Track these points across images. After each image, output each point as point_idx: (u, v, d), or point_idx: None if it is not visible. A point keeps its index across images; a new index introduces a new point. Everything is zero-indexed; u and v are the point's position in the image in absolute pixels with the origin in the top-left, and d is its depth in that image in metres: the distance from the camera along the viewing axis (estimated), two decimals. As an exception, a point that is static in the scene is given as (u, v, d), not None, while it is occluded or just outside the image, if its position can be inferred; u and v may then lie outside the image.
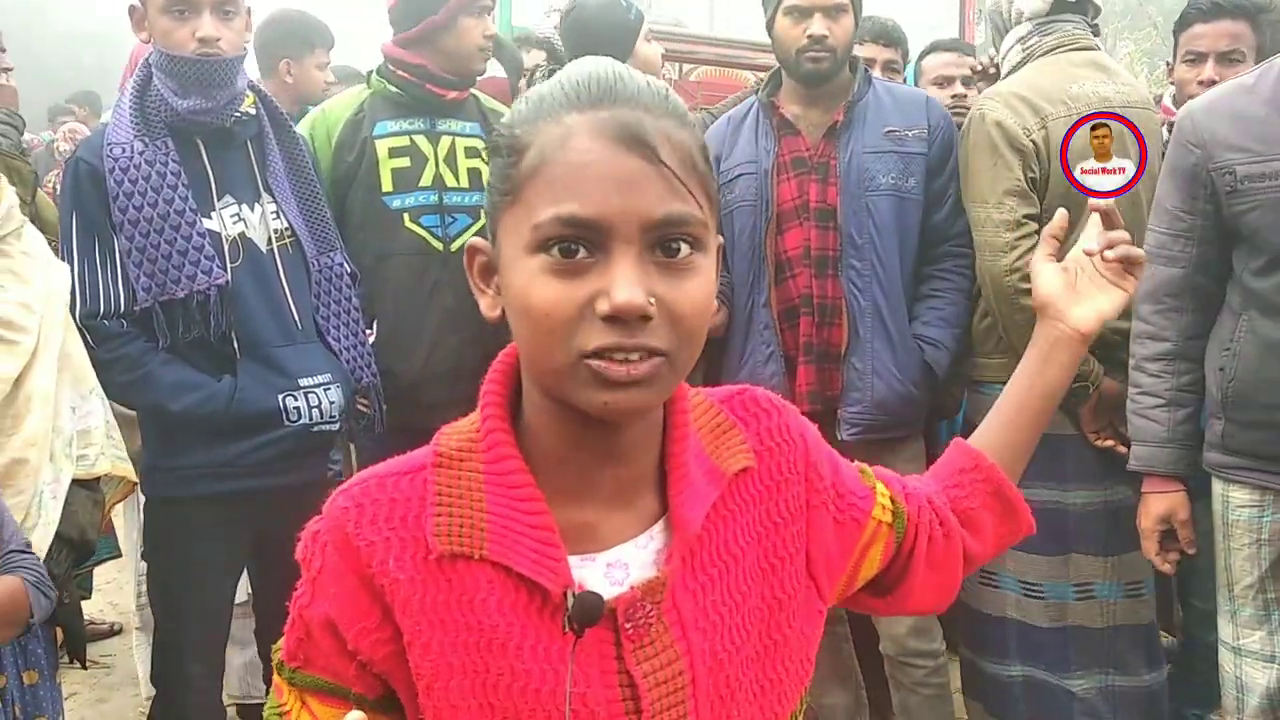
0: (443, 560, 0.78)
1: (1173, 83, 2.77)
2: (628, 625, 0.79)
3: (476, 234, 2.41)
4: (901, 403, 2.30)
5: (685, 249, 0.74)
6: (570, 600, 0.76)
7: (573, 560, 0.79)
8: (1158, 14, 14.20)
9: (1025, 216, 2.21)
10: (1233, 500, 1.92)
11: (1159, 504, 2.01)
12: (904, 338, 2.31)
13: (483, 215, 2.41)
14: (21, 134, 3.48)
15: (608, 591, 0.79)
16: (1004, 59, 2.50)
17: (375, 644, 0.80)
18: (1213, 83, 2.32)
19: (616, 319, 0.70)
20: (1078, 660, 2.31)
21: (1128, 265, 1.06)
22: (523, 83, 3.05)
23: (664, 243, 0.73)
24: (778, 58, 2.41)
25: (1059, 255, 1.11)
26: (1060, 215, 1.14)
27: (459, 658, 0.78)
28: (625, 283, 0.70)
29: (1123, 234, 1.06)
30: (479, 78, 2.53)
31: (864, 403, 2.28)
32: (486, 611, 0.78)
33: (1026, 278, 2.22)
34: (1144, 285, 2.01)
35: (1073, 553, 2.31)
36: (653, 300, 0.71)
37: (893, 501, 0.98)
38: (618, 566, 0.81)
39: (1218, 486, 1.96)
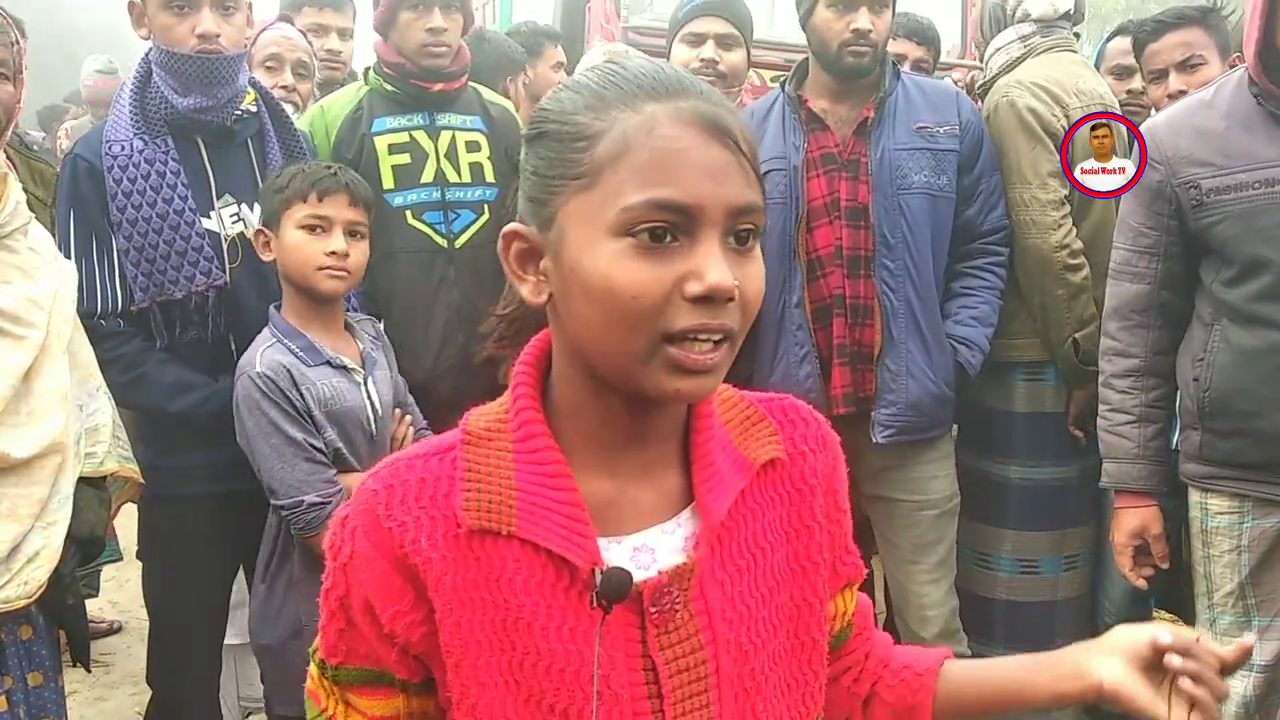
0: (472, 537, 0.79)
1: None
2: (653, 610, 0.79)
3: (483, 229, 2.37)
4: (935, 403, 2.28)
5: (751, 236, 0.78)
6: (599, 576, 0.77)
7: (599, 542, 0.79)
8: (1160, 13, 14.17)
9: (1064, 198, 2.32)
10: (1211, 508, 1.93)
11: (1131, 519, 2.02)
12: (938, 338, 2.28)
13: (486, 210, 2.38)
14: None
15: (634, 575, 0.79)
16: (998, 50, 2.57)
17: (410, 625, 0.81)
18: (1181, 93, 2.35)
19: (706, 300, 0.73)
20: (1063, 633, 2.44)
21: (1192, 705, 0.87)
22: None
23: (737, 230, 0.76)
24: (813, 50, 2.34)
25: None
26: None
27: (486, 635, 0.79)
28: (717, 265, 0.73)
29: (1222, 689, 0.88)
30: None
31: (898, 405, 2.25)
32: (514, 589, 0.78)
33: (1074, 253, 2.30)
34: (1110, 302, 2.05)
35: (1069, 527, 2.46)
36: (736, 282, 0.74)
37: (853, 619, 0.97)
38: (644, 551, 0.82)
39: (1195, 496, 1.96)
